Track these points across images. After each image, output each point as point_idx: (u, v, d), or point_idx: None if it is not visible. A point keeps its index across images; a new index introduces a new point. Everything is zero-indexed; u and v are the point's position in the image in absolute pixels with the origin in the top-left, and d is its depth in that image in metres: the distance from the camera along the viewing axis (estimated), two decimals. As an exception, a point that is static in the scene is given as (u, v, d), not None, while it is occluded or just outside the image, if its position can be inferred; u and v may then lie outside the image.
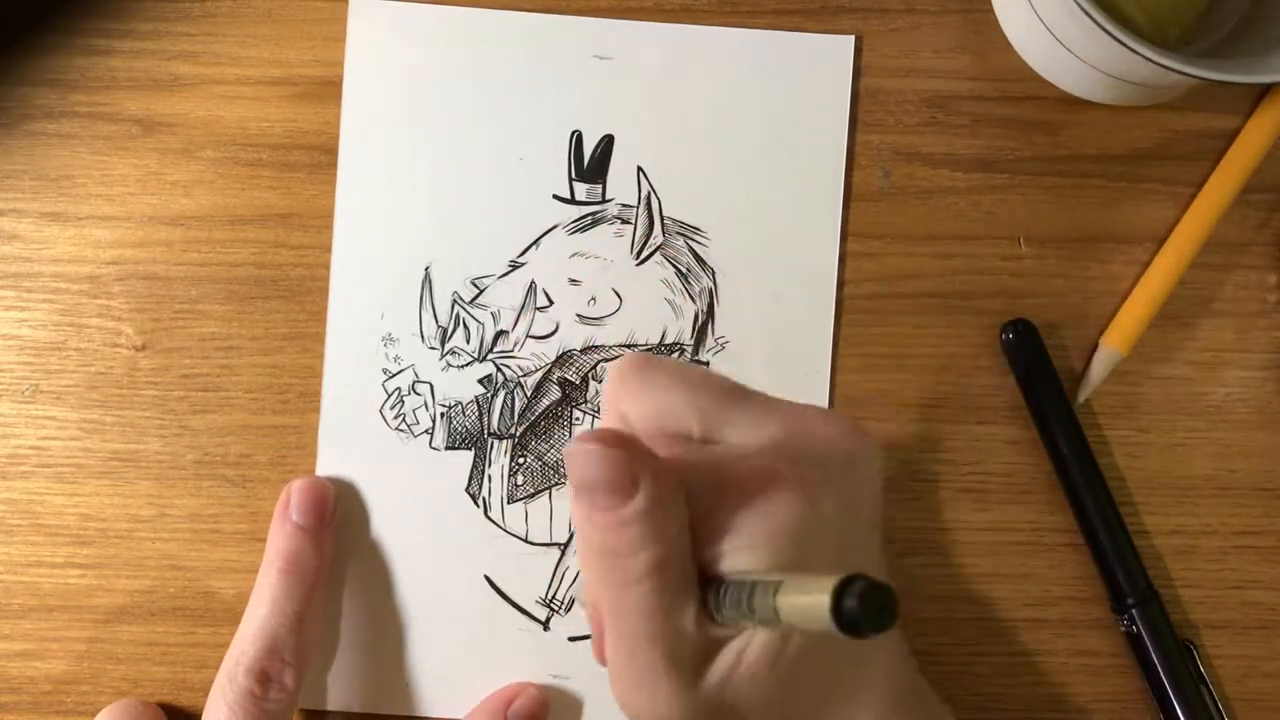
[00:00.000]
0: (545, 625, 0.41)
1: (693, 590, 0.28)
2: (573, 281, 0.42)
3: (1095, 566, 0.41)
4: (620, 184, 0.42)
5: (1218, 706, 0.40)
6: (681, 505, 0.28)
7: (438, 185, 0.42)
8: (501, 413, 0.41)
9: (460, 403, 0.41)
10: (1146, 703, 0.41)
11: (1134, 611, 0.40)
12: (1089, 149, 0.42)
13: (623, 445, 0.27)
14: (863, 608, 0.21)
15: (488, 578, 0.41)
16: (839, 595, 0.21)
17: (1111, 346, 0.41)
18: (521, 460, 0.41)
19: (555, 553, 0.41)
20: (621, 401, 0.31)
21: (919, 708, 0.34)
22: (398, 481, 0.41)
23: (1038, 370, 0.41)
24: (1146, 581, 0.40)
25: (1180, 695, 0.40)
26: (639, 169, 0.42)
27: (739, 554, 0.28)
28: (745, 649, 0.28)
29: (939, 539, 0.42)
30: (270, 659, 0.38)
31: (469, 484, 0.41)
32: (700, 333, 0.42)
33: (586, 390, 0.42)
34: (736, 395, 0.30)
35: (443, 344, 0.42)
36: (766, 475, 0.28)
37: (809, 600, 0.23)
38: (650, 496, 0.27)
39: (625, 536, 0.27)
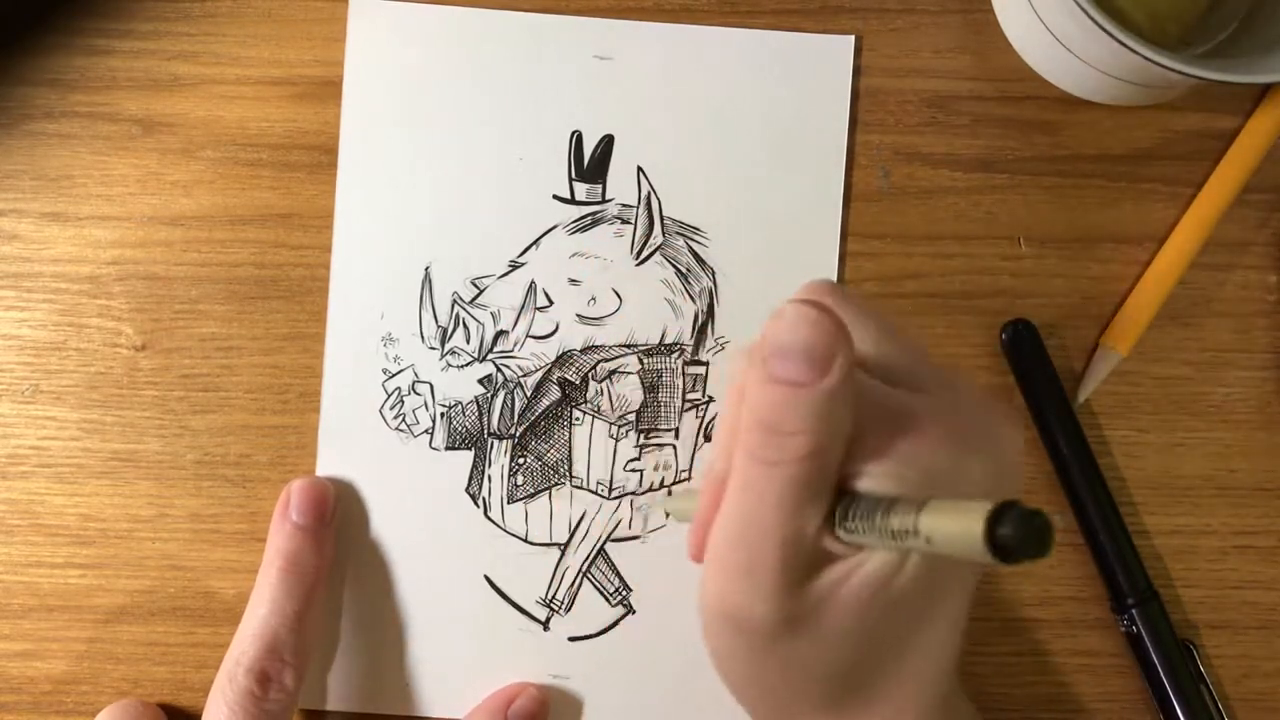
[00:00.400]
0: (545, 625, 0.41)
1: (827, 497, 0.27)
2: (573, 281, 0.42)
3: (1095, 566, 0.41)
4: (620, 184, 0.42)
5: (1218, 706, 0.40)
6: (853, 409, 0.27)
7: (438, 185, 0.42)
8: (501, 413, 0.41)
9: (460, 403, 0.41)
10: (1146, 703, 0.41)
11: (1134, 611, 0.40)
12: (1089, 149, 0.42)
13: (834, 320, 0.26)
14: (1020, 533, 0.21)
15: (488, 578, 0.41)
16: (994, 519, 0.21)
17: (1111, 346, 0.41)
18: (521, 460, 0.42)
19: (555, 553, 0.41)
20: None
21: (959, 702, 0.34)
22: (398, 481, 0.41)
23: (1038, 370, 0.41)
24: (1146, 581, 0.40)
25: (1180, 695, 0.40)
26: (639, 169, 0.42)
27: (884, 478, 0.27)
28: (854, 571, 0.27)
29: (939, 539, 0.42)
30: (270, 659, 0.38)
31: (469, 484, 0.41)
32: (700, 333, 0.42)
33: (586, 390, 0.42)
34: (921, 349, 0.31)
35: (443, 344, 0.42)
36: (932, 421, 0.28)
37: (960, 519, 0.22)
38: (838, 382, 0.26)
39: (796, 413, 0.26)
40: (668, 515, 0.41)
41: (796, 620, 0.28)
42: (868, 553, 0.27)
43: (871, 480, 0.27)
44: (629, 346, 0.42)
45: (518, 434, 0.42)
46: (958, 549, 0.22)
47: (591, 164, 0.42)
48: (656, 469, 0.41)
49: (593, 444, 0.41)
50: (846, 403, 0.26)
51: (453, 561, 0.41)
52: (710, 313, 0.42)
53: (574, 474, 0.41)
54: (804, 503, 0.27)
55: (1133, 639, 0.40)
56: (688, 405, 0.42)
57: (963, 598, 0.31)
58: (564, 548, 0.41)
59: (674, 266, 0.42)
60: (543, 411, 0.42)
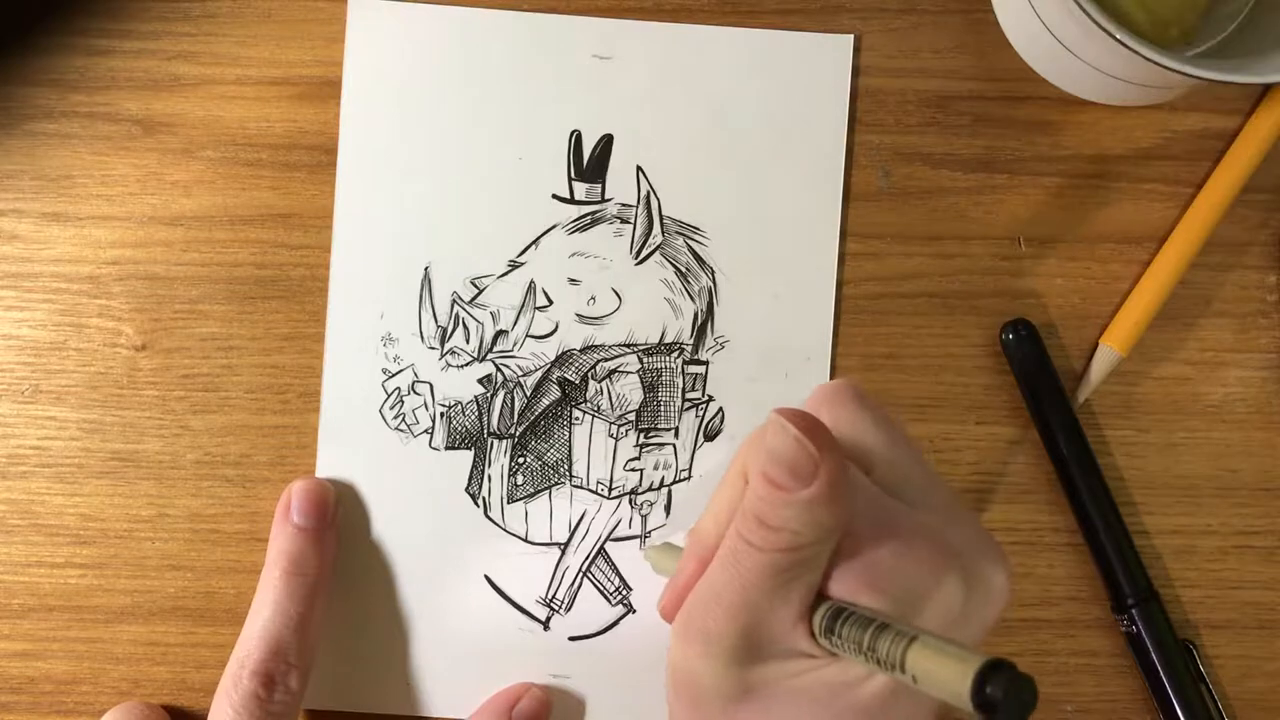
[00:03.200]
0: (545, 625, 0.41)
1: (806, 592, 0.28)
2: (572, 281, 0.42)
3: (1095, 566, 0.41)
4: (619, 183, 0.42)
5: (1218, 706, 0.40)
6: (843, 516, 0.28)
7: (437, 185, 0.42)
8: (501, 412, 0.42)
9: (460, 402, 0.41)
10: (1146, 703, 0.41)
11: (1134, 611, 0.40)
12: (1089, 149, 0.42)
13: (818, 438, 0.27)
14: (1007, 695, 0.21)
15: (488, 578, 0.41)
16: (984, 674, 0.21)
17: (1111, 347, 0.41)
18: (521, 460, 0.42)
19: (555, 552, 0.41)
20: (826, 410, 0.31)
21: None
22: (398, 481, 0.41)
23: (1037, 370, 0.41)
24: (1146, 581, 0.40)
25: (1180, 695, 0.40)
26: (638, 168, 0.42)
27: (864, 589, 0.28)
28: (820, 669, 0.29)
29: (939, 539, 0.42)
30: (275, 661, 0.38)
31: (469, 484, 0.41)
32: (700, 332, 0.42)
33: (586, 389, 0.42)
34: (928, 469, 0.32)
35: (442, 344, 0.42)
36: (928, 542, 0.29)
37: (949, 666, 0.22)
38: (820, 493, 0.27)
39: (780, 512, 0.27)
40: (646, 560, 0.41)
41: (746, 695, 0.29)
42: (833, 657, 0.28)
43: (855, 588, 0.28)
44: (629, 346, 0.42)
45: (518, 434, 0.42)
46: (939, 692, 0.23)
47: (591, 163, 0.42)
48: (656, 468, 0.41)
49: (592, 443, 0.41)
50: (831, 510, 0.28)
51: (453, 561, 0.41)
52: (710, 312, 0.42)
53: (574, 473, 0.41)
54: (777, 592, 0.28)
55: (1133, 639, 0.40)
56: (687, 404, 0.42)
57: (930, 712, 0.31)
58: (564, 547, 0.41)
59: (673, 266, 0.42)
60: (542, 411, 0.42)
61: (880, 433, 0.32)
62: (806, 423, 0.28)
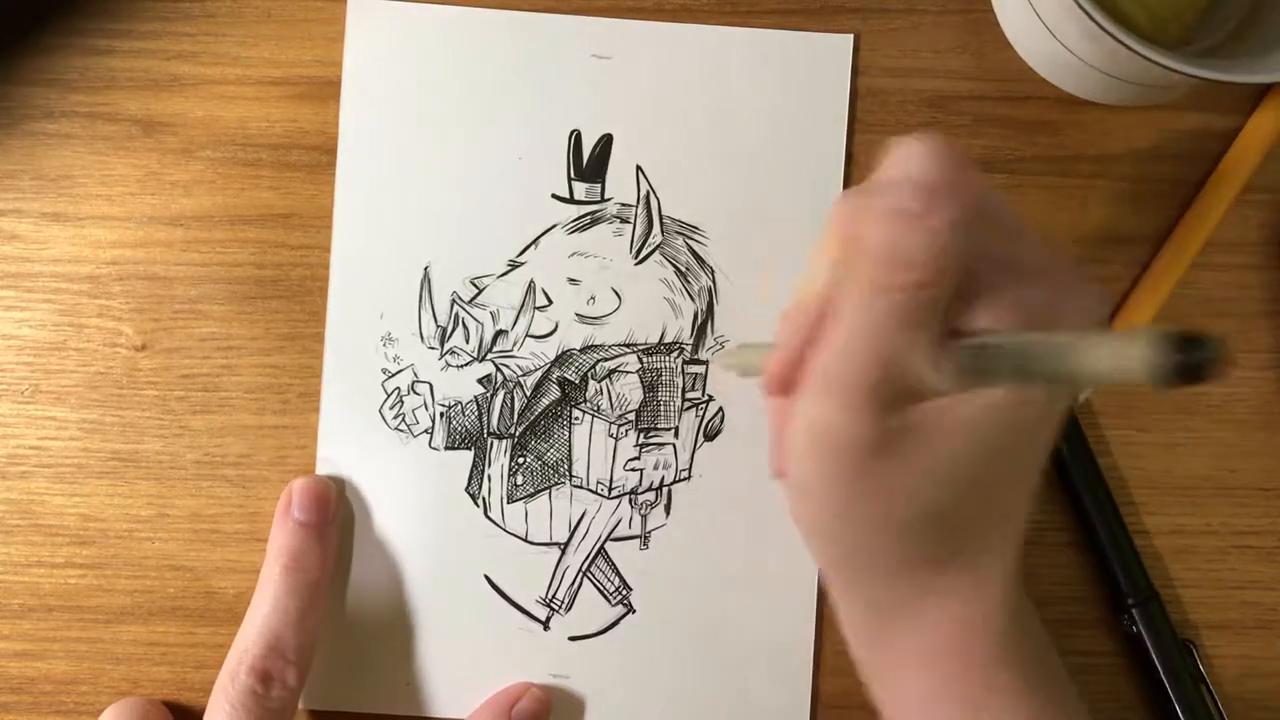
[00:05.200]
0: (545, 625, 0.41)
1: (936, 331, 0.28)
2: (572, 281, 0.42)
3: (1095, 567, 0.41)
4: (619, 183, 0.42)
5: (1218, 706, 0.40)
6: (971, 242, 0.27)
7: (437, 185, 0.42)
8: (501, 412, 0.42)
9: (460, 402, 0.41)
10: (1146, 703, 0.41)
11: (1134, 611, 0.40)
12: (1089, 149, 0.42)
13: (958, 154, 0.27)
14: (1201, 354, 0.21)
15: (488, 578, 0.41)
16: (1173, 342, 0.22)
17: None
18: (521, 460, 0.42)
19: (555, 552, 0.41)
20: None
21: (1021, 583, 0.34)
22: (398, 481, 0.41)
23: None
24: (1146, 581, 0.40)
25: (1180, 695, 0.40)
26: (638, 168, 0.42)
27: (995, 318, 0.28)
28: (958, 406, 0.28)
29: (939, 539, 0.42)
30: (273, 657, 0.38)
31: (469, 484, 0.41)
32: (700, 332, 0.42)
33: (586, 389, 0.42)
34: (1021, 217, 0.31)
35: (442, 344, 0.42)
36: (1056, 272, 0.29)
37: (1129, 348, 0.23)
38: (960, 215, 0.27)
39: (914, 243, 0.27)
40: (734, 371, 0.40)
41: (890, 444, 0.28)
42: (968, 393, 0.28)
43: (986, 319, 0.28)
44: (628, 345, 0.42)
45: (517, 433, 0.42)
46: (1124, 376, 0.23)
47: (590, 163, 0.42)
48: (656, 468, 0.41)
49: (592, 443, 0.41)
50: (966, 233, 0.27)
51: (453, 561, 0.41)
52: (709, 312, 0.42)
53: (574, 473, 0.41)
54: (913, 329, 0.27)
55: (1133, 639, 0.40)
56: (687, 404, 0.42)
57: (1041, 456, 0.32)
58: (564, 547, 0.41)
59: (673, 265, 0.42)
60: (542, 411, 0.42)
61: (995, 193, 0.31)
62: (946, 140, 0.27)
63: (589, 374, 0.42)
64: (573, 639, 0.41)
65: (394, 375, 0.42)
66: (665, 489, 0.42)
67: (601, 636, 0.41)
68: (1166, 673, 0.40)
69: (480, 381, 0.42)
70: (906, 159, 0.27)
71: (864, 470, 0.29)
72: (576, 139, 0.42)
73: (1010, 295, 0.28)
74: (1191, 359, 0.21)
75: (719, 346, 0.42)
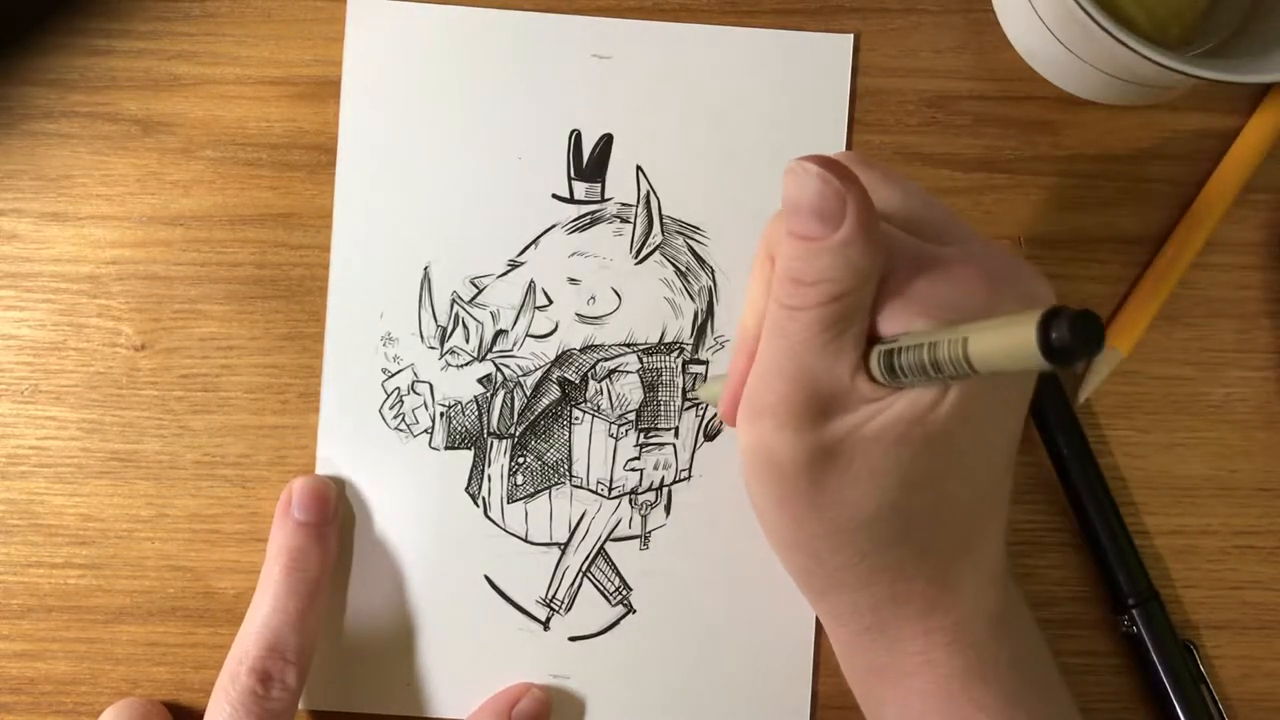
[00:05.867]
0: (545, 625, 0.41)
1: (856, 341, 0.28)
2: (572, 280, 0.42)
3: (1095, 567, 0.41)
4: (619, 183, 0.42)
5: (1218, 707, 0.40)
6: (878, 258, 0.28)
7: (437, 185, 0.42)
8: (501, 412, 0.41)
9: (460, 402, 0.41)
10: (1147, 704, 0.41)
11: (1134, 612, 0.40)
12: (1089, 149, 0.42)
13: (841, 176, 0.27)
14: (1073, 332, 0.21)
15: (488, 578, 0.41)
16: (1045, 322, 0.21)
17: (1112, 346, 0.41)
18: (521, 460, 0.41)
19: (555, 552, 0.41)
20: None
21: (1010, 587, 0.34)
22: (397, 481, 0.41)
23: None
24: (1147, 581, 0.40)
25: (1180, 695, 0.40)
26: (638, 168, 0.42)
27: (915, 319, 0.28)
28: (887, 408, 0.29)
29: (939, 539, 0.42)
30: (272, 657, 0.38)
31: (469, 484, 0.41)
32: (700, 332, 0.42)
33: (586, 389, 0.42)
34: (948, 209, 0.32)
35: (442, 343, 0.42)
36: (964, 265, 0.29)
37: (1010, 331, 0.22)
38: (852, 232, 0.27)
39: (814, 264, 0.27)
40: (705, 403, 0.41)
41: (826, 457, 0.29)
42: (900, 393, 0.29)
43: (902, 321, 0.28)
44: (629, 345, 0.42)
45: (517, 433, 0.41)
46: (1010, 363, 0.23)
47: (590, 163, 0.42)
48: (656, 468, 0.41)
49: (592, 443, 0.41)
50: (866, 251, 0.28)
51: (453, 561, 0.41)
52: (710, 311, 0.42)
53: (574, 473, 0.41)
54: (828, 345, 0.28)
55: (1133, 639, 0.40)
56: (687, 404, 0.41)
57: (1006, 445, 0.32)
58: (564, 547, 0.41)
59: (673, 265, 0.42)
60: (542, 411, 0.42)
61: (891, 186, 0.31)
62: (826, 162, 0.27)
63: (589, 374, 0.42)
64: (573, 639, 0.41)
65: (394, 375, 0.42)
66: (665, 489, 0.42)
67: (601, 636, 0.41)
68: (1167, 673, 0.40)
69: (480, 381, 0.42)
70: (797, 184, 0.28)
71: (806, 484, 0.30)
72: (576, 139, 0.42)
73: (927, 293, 0.28)
74: (1071, 336, 0.21)
75: (719, 347, 0.42)
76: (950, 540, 0.31)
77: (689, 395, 0.42)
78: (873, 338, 0.29)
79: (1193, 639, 0.41)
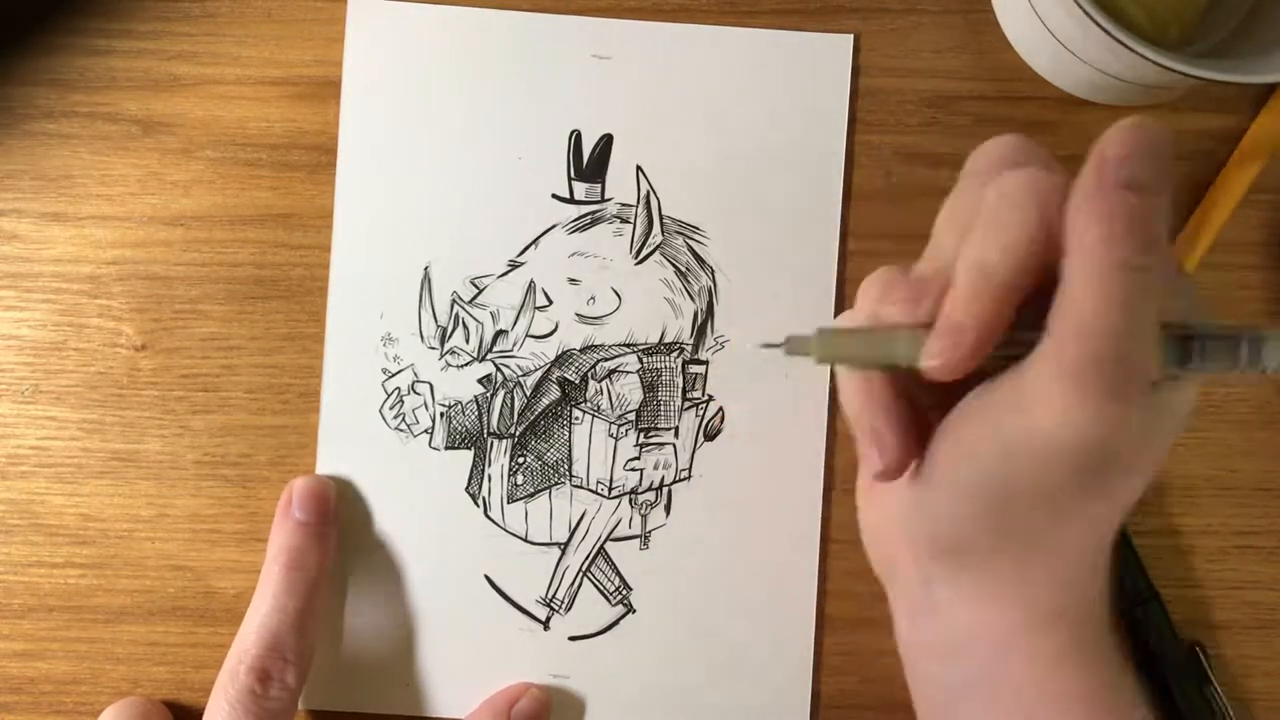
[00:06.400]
0: (545, 625, 0.41)
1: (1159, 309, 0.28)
2: (572, 281, 0.42)
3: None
4: (619, 183, 0.42)
5: (1224, 706, 0.40)
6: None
7: (437, 185, 0.42)
8: (501, 412, 0.42)
9: (460, 402, 0.41)
10: (1153, 706, 0.41)
11: (1135, 612, 0.40)
12: (1089, 149, 0.42)
13: (1166, 143, 0.27)
14: None
15: (488, 578, 0.41)
16: None
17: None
18: (521, 460, 0.42)
19: (555, 552, 0.41)
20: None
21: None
22: (398, 481, 0.41)
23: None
24: (1147, 582, 0.40)
25: (1184, 696, 0.40)
26: (638, 168, 0.42)
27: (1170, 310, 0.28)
28: (1174, 391, 0.28)
29: (939, 539, 0.42)
30: (272, 657, 0.38)
31: (469, 484, 0.41)
32: (700, 332, 0.42)
33: (586, 389, 0.42)
34: None
35: (442, 344, 0.42)
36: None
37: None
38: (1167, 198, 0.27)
39: (1157, 226, 0.27)
40: (819, 360, 0.32)
41: (1117, 429, 0.27)
42: (1178, 380, 0.28)
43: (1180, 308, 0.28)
44: (628, 345, 0.42)
45: (517, 433, 0.42)
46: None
47: (590, 163, 0.42)
48: (656, 468, 0.41)
49: (592, 443, 0.41)
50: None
51: (453, 561, 0.41)
52: (710, 312, 0.42)
53: (574, 473, 0.41)
54: (1150, 308, 0.27)
55: (1136, 641, 0.40)
56: (687, 404, 0.42)
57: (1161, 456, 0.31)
58: (564, 547, 0.41)
59: (673, 265, 0.42)
60: (542, 411, 0.42)
61: None
62: (1157, 128, 0.27)
63: (589, 374, 0.42)
64: (573, 639, 0.41)
65: (394, 375, 0.42)
66: (665, 489, 0.42)
67: (601, 636, 0.41)
68: (1171, 673, 0.40)
69: (480, 381, 0.42)
70: (1136, 138, 0.27)
71: (1115, 464, 0.28)
72: (576, 139, 0.42)
73: (1178, 284, 0.29)
74: None
75: (719, 347, 0.42)
76: (1085, 533, 0.31)
77: (689, 395, 0.42)
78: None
79: (1194, 639, 0.41)
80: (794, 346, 0.32)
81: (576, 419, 0.42)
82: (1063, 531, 0.30)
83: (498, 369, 0.42)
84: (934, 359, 0.28)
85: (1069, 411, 0.27)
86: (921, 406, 0.31)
